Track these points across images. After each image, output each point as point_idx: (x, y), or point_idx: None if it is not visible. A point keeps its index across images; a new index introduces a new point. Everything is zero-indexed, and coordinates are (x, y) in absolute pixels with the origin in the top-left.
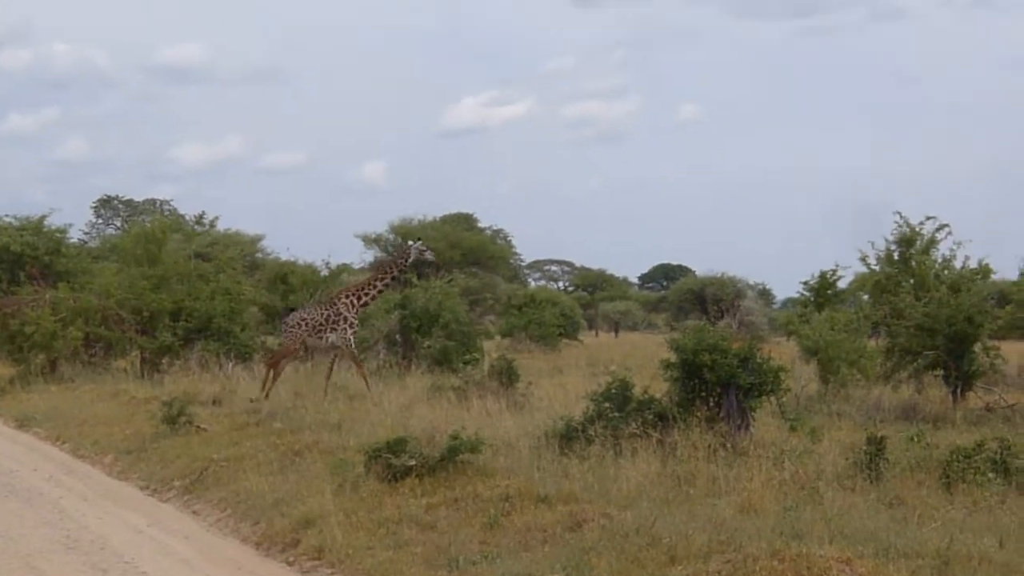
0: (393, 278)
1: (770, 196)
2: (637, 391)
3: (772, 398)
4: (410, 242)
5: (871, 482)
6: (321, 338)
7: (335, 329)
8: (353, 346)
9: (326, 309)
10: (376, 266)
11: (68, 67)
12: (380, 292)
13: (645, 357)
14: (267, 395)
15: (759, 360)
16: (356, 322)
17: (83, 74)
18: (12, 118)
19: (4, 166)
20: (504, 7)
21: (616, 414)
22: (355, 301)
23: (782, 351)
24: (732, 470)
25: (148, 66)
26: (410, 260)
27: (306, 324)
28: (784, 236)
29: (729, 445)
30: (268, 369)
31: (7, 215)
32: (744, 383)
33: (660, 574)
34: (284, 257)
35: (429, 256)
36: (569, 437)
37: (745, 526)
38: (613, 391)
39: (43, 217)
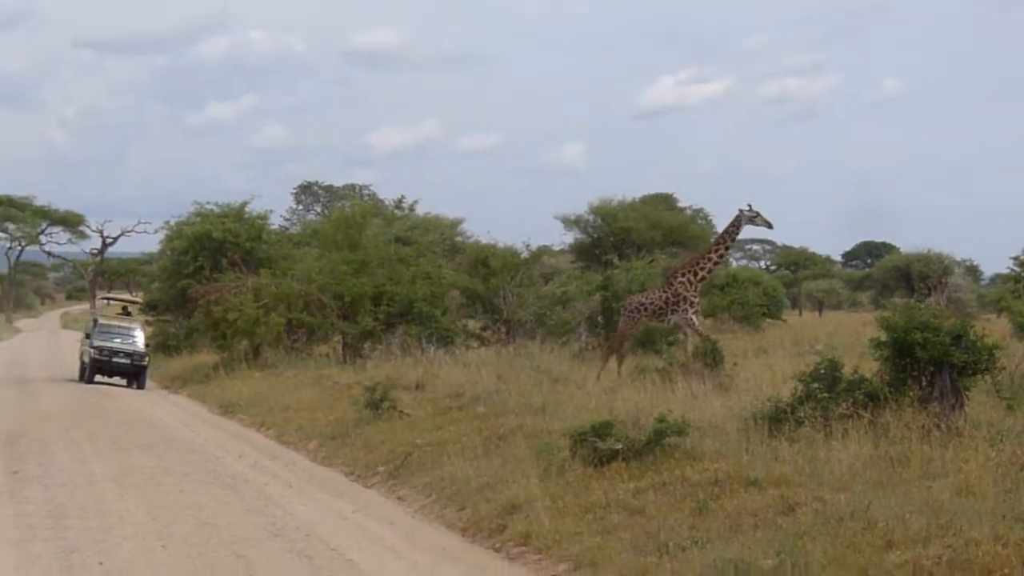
0: (727, 248)
1: (976, 171)
2: (846, 371)
3: (987, 377)
4: (739, 209)
5: None
6: (663, 320)
7: (675, 311)
8: (697, 325)
9: (664, 292)
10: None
11: (265, 55)
12: (716, 264)
13: (851, 336)
14: (619, 372)
15: (973, 337)
16: (697, 299)
17: (280, 61)
18: (212, 107)
19: (205, 154)
20: None
21: (825, 394)
22: (692, 279)
23: (993, 328)
24: (947, 451)
25: (344, 51)
26: (742, 227)
27: (646, 309)
28: (991, 210)
29: (943, 425)
30: (609, 353)
31: (209, 203)
32: (958, 361)
33: (877, 560)
34: (484, 240)
35: (760, 222)
36: (778, 419)
37: (964, 509)
38: (822, 371)
39: (244, 204)
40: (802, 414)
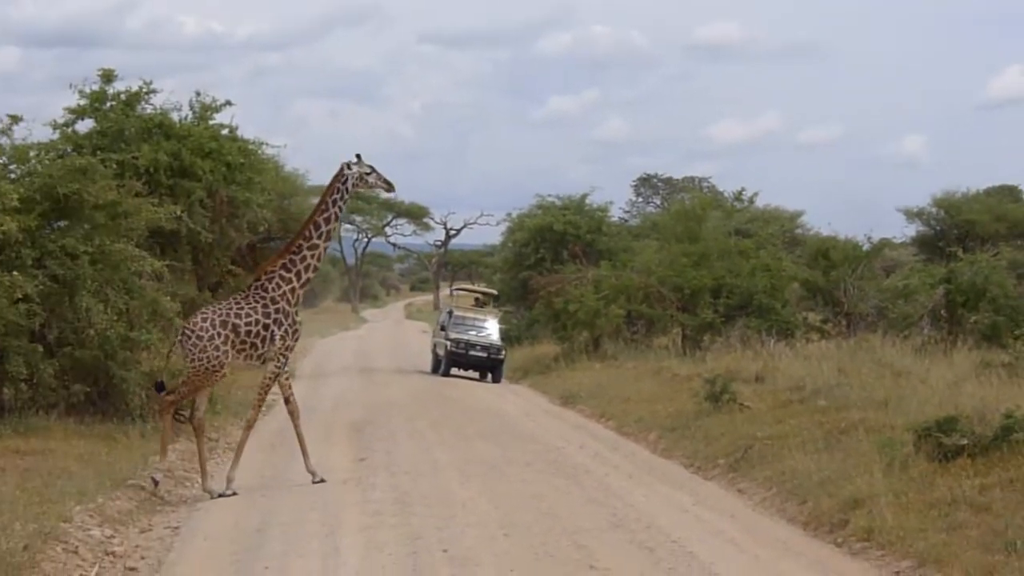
0: (329, 222)
1: None
2: None
3: None
4: (343, 163)
5: None
6: (255, 357)
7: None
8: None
9: (258, 302)
10: None
11: (608, 49)
12: (319, 253)
13: None
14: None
15: None
16: (294, 318)
17: (622, 55)
18: (554, 100)
19: (548, 147)
20: None
21: None
22: (293, 281)
23: None
24: None
25: (685, 45)
26: (349, 188)
27: (235, 335)
28: None
29: None
30: (165, 417)
31: (550, 195)
32: None
33: None
34: (825, 232)
35: (374, 181)
36: None
37: None
38: None
39: (584, 196)
40: None
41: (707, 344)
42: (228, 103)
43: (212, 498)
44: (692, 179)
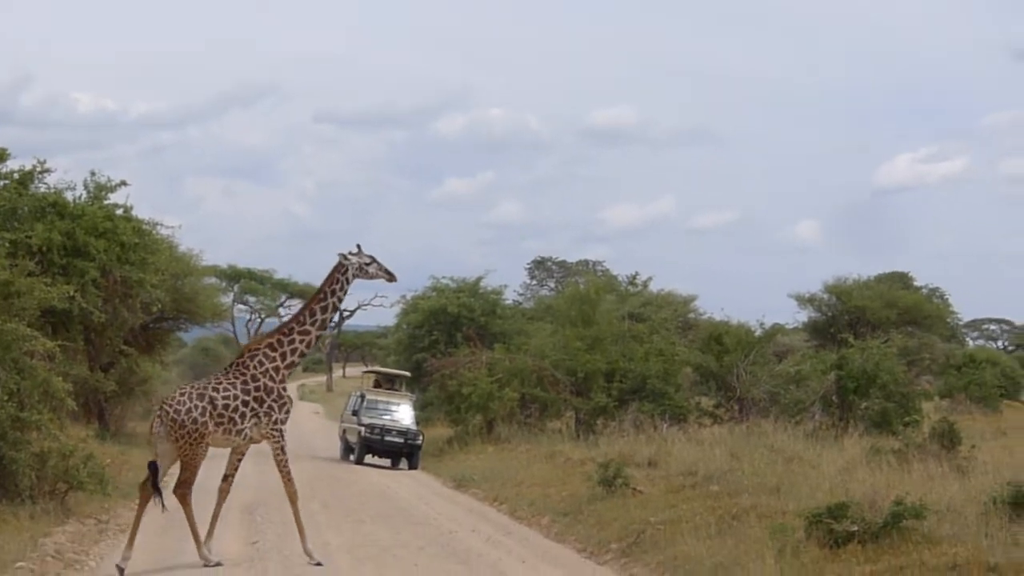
0: (328, 310)
1: None
2: None
3: None
4: (341, 254)
5: None
6: (233, 432)
7: (256, 414)
8: (283, 441)
9: (238, 378)
10: None
11: (504, 131)
12: (313, 336)
13: None
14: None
15: None
16: (284, 396)
17: (518, 138)
18: (451, 182)
19: (445, 228)
20: (938, 63)
21: None
22: (277, 359)
23: None
24: None
25: (581, 128)
26: (350, 279)
27: (214, 410)
28: None
29: None
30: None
31: (444, 277)
32: None
33: None
34: (718, 317)
35: (375, 271)
36: (1019, 503)
37: None
38: None
39: (479, 279)
40: None
41: (600, 428)
42: (123, 183)
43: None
44: (586, 262)
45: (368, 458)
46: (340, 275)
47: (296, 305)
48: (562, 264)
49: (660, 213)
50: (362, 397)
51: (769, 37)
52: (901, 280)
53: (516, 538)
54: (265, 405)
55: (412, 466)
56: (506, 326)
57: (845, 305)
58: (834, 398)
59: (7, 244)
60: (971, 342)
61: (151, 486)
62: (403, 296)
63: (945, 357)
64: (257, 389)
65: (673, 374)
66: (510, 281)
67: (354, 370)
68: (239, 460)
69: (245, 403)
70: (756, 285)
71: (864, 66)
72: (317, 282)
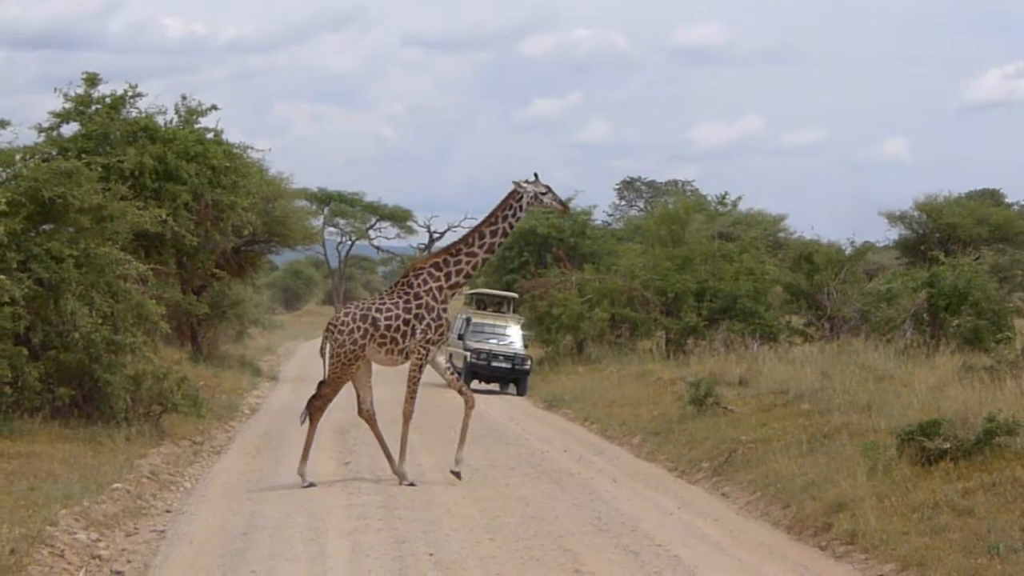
0: (499, 235)
1: None
2: None
3: None
4: (515, 182)
5: None
6: (395, 351)
7: (412, 332)
8: (439, 360)
9: (401, 297)
10: None
11: (590, 52)
12: (480, 258)
13: None
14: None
15: None
16: (439, 314)
17: (604, 58)
18: (538, 103)
19: (532, 150)
20: None
21: None
22: (441, 279)
23: None
24: None
25: (667, 48)
26: (523, 206)
27: (375, 330)
28: None
29: None
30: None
31: None
32: None
33: None
34: (807, 236)
35: (549, 201)
36: None
37: None
38: None
39: (569, 199)
40: None
41: (691, 348)
42: (213, 107)
43: (402, 483)
44: (675, 183)
45: (475, 384)
46: (514, 202)
47: (385, 227)
48: (651, 184)
49: (748, 132)
50: (467, 320)
51: None
52: (992, 197)
53: (607, 457)
54: (424, 322)
55: (520, 392)
56: (596, 247)
57: (936, 222)
58: (925, 316)
59: (100, 169)
60: None
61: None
62: None
63: None
64: (419, 307)
65: (763, 293)
66: (599, 202)
67: None
68: (451, 375)
69: (407, 322)
70: (846, 203)
71: None
72: (407, 204)
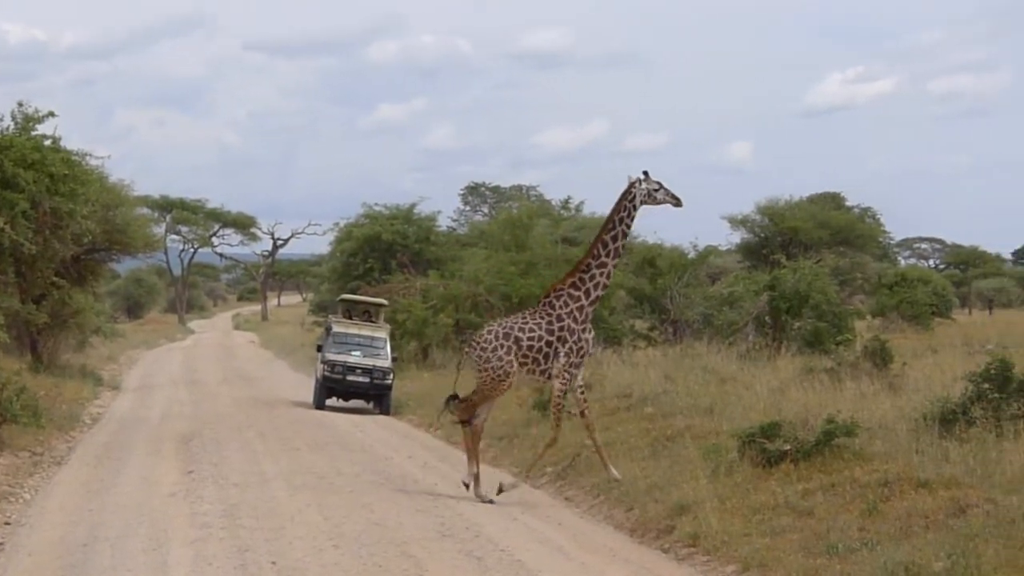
0: (621, 237)
1: None
2: (1018, 371)
3: None
4: (630, 177)
5: None
6: (540, 372)
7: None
8: (577, 378)
9: (544, 317)
10: None
11: (436, 57)
12: (609, 270)
13: (1023, 335)
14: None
15: None
16: (582, 334)
17: (450, 63)
18: (383, 108)
19: (377, 156)
20: None
21: (997, 395)
22: (580, 298)
23: None
24: None
25: (512, 53)
26: (637, 205)
27: (519, 348)
28: None
29: None
30: (474, 440)
31: (378, 204)
32: None
33: None
34: (651, 240)
35: (663, 197)
36: (948, 419)
37: None
38: (992, 371)
39: (413, 205)
40: (973, 414)
41: None
42: (51, 114)
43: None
44: (520, 187)
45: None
46: (627, 202)
47: (228, 234)
48: (495, 189)
49: (593, 136)
50: (328, 330)
51: None
52: (833, 200)
53: (452, 463)
54: (567, 345)
55: (383, 410)
56: (440, 252)
57: (777, 226)
58: (767, 319)
59: None
60: (903, 261)
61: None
62: (336, 224)
63: (877, 276)
64: (561, 329)
65: (606, 297)
66: (444, 207)
67: (289, 299)
68: (580, 394)
69: (549, 343)
70: (689, 207)
71: None
72: (251, 210)
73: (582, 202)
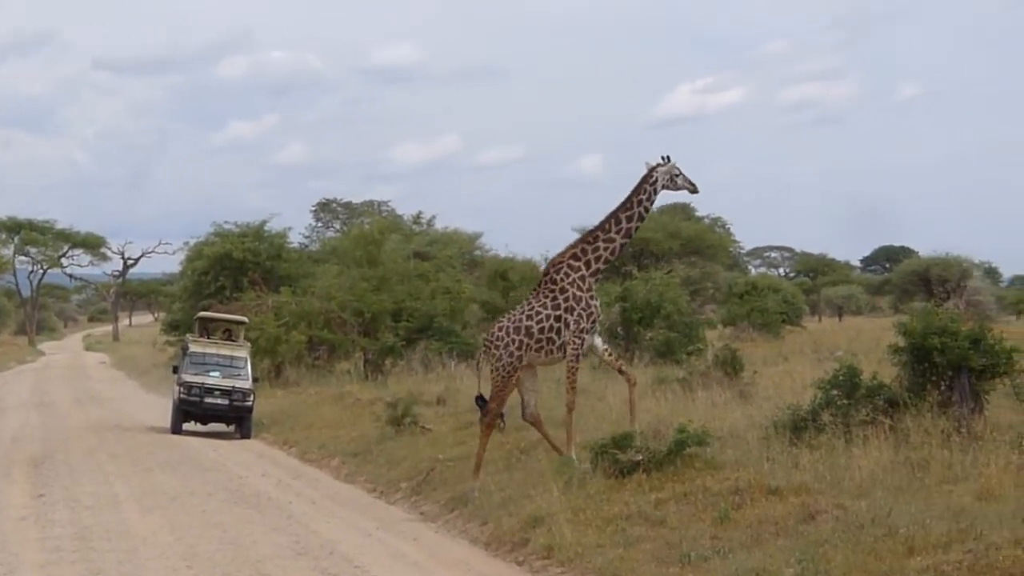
0: (636, 219)
1: (994, 172)
2: (865, 377)
3: (1006, 380)
4: (648, 164)
5: None
6: (549, 352)
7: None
8: (598, 347)
9: (548, 296)
10: None
11: (287, 73)
12: (621, 244)
13: (871, 342)
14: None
15: (991, 341)
16: (588, 305)
17: (301, 79)
18: (234, 126)
19: (229, 173)
20: None
21: (845, 401)
22: (583, 269)
23: (1012, 331)
24: (967, 455)
25: (363, 68)
26: (658, 189)
27: (530, 337)
28: (1011, 212)
29: (963, 429)
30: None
31: (228, 222)
32: (976, 365)
33: (898, 566)
34: (503, 253)
35: (682, 183)
36: (798, 426)
37: (985, 513)
38: (841, 378)
39: (264, 222)
40: (822, 421)
41: (389, 368)
42: None
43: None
44: (372, 203)
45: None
46: (648, 185)
47: (78, 254)
48: (347, 205)
49: (445, 151)
50: (184, 350)
51: None
52: (683, 211)
53: (306, 480)
54: (575, 313)
55: (244, 434)
56: (292, 269)
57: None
58: (619, 330)
59: None
60: (753, 270)
61: (481, 413)
62: (187, 243)
63: (728, 285)
64: (566, 299)
65: (460, 311)
66: (296, 224)
67: (141, 319)
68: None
69: (559, 318)
70: (541, 220)
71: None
72: (101, 230)
73: (433, 216)
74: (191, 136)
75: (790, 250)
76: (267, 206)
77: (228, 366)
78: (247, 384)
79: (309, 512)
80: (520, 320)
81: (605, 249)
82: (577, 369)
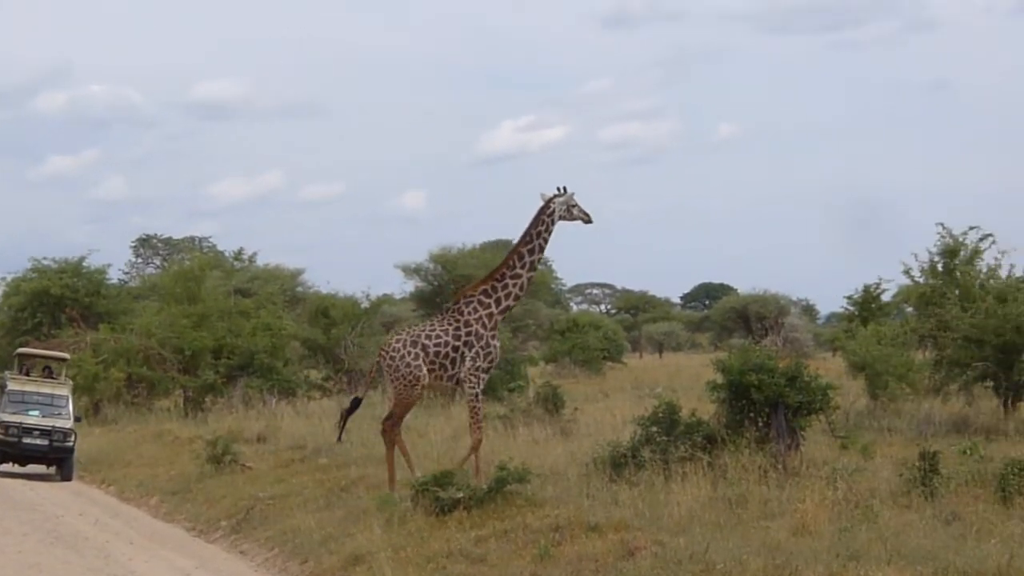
0: (537, 252)
1: (810, 212)
2: (684, 414)
3: (821, 416)
4: (542, 195)
5: (926, 498)
6: (447, 377)
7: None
8: (477, 388)
9: (452, 323)
10: None
11: (106, 107)
12: (523, 282)
13: (691, 378)
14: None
15: (807, 378)
16: (490, 341)
17: (121, 114)
18: (53, 160)
19: (45, 208)
20: (533, 30)
21: (664, 438)
22: (491, 305)
23: (828, 367)
24: (784, 491)
25: (183, 103)
26: (555, 220)
27: (426, 356)
28: (825, 251)
29: (780, 466)
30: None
31: (46, 257)
32: (792, 402)
33: None
34: (325, 290)
35: (578, 214)
36: (618, 463)
37: (800, 548)
38: (660, 415)
39: (82, 258)
40: (642, 458)
41: (209, 405)
42: None
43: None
44: (193, 239)
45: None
46: (545, 216)
47: None
48: (168, 241)
49: (268, 187)
50: (2, 387)
51: (365, 3)
52: (506, 248)
53: (124, 519)
54: (473, 350)
55: (65, 476)
56: (111, 306)
57: (450, 274)
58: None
59: None
60: (575, 306)
61: (343, 418)
62: (3, 279)
63: (550, 322)
64: (468, 334)
65: (281, 348)
66: (116, 260)
67: None
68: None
69: (455, 348)
70: (364, 257)
71: (460, 40)
72: None
73: (255, 253)
74: (8, 170)
75: (611, 287)
76: (87, 242)
77: (49, 404)
78: (68, 424)
79: (127, 552)
80: (418, 336)
81: (514, 286)
82: (479, 408)
